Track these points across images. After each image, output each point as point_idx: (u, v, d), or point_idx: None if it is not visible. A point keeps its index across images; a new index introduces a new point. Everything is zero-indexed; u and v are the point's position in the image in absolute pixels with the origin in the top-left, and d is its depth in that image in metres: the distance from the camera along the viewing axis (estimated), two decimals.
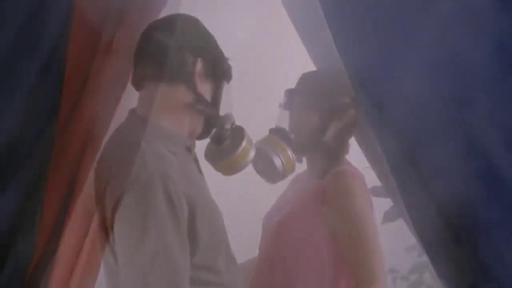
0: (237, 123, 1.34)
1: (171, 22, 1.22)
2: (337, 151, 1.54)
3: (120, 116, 1.26)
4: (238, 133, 1.32)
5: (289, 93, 1.56)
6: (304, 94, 1.53)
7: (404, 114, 1.04)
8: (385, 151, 1.09)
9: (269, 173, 1.52)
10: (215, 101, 1.26)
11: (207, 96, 1.25)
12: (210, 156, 1.37)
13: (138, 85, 1.24)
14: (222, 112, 1.29)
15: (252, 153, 1.34)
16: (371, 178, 1.59)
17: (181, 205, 1.10)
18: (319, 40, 1.47)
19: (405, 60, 1.03)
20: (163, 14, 1.29)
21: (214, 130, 1.29)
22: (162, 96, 1.20)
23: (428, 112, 1.04)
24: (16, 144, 1.02)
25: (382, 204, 2.19)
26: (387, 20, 1.03)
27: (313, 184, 1.53)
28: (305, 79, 1.58)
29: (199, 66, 1.22)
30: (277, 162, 1.49)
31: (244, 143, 1.31)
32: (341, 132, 1.54)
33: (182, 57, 1.20)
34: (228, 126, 1.29)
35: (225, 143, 1.30)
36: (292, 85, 1.62)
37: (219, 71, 1.25)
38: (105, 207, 1.11)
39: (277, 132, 1.55)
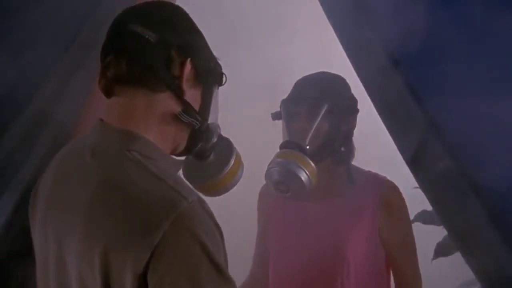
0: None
1: (151, 10, 0.96)
2: (349, 155, 1.49)
3: None
4: (225, 147, 1.11)
5: (292, 102, 1.47)
6: (311, 101, 1.43)
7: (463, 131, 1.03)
8: (443, 172, 1.06)
9: (296, 191, 1.38)
10: (204, 111, 1.01)
11: (195, 104, 0.99)
12: (191, 174, 1.13)
13: (107, 90, 0.95)
14: (210, 120, 1.05)
15: (241, 171, 1.13)
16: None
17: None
18: (359, 41, 1.40)
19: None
20: None
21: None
22: (140, 104, 0.93)
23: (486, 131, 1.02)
24: None
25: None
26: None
27: (351, 194, 1.48)
28: (307, 85, 1.48)
29: (187, 68, 0.95)
30: (304, 177, 1.36)
31: (232, 160, 1.10)
32: (348, 135, 1.49)
33: (167, 56, 0.93)
34: (214, 139, 1.05)
35: (209, 159, 1.09)
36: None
37: (211, 74, 1.01)
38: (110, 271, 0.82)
39: (291, 145, 1.41)
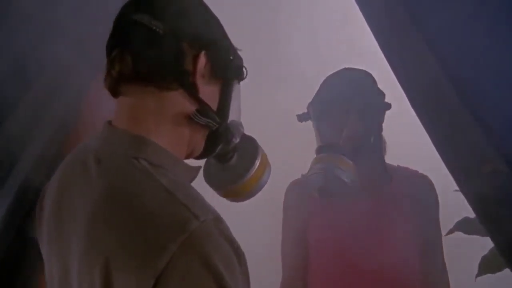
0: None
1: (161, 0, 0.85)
2: (382, 150, 1.50)
3: None
4: (249, 147, 1.01)
5: (322, 103, 1.47)
6: (342, 101, 1.44)
7: None
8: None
9: (342, 194, 1.40)
10: (223, 109, 0.90)
11: (213, 102, 0.88)
12: (212, 178, 1.04)
13: (114, 89, 0.85)
14: (231, 118, 0.94)
15: (267, 174, 1.03)
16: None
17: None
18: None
19: None
20: None
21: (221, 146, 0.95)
22: (149, 105, 0.83)
23: None
24: None
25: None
26: None
27: (387, 189, 1.49)
28: (335, 84, 1.49)
29: (202, 62, 0.84)
30: (348, 180, 1.37)
31: (256, 162, 1.00)
32: (379, 132, 1.49)
33: (178, 49, 0.82)
34: (237, 139, 0.94)
35: (232, 161, 1.00)
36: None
37: (229, 68, 0.89)
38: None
39: (328, 149, 1.42)
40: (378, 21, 1.25)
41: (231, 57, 0.90)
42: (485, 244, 1.71)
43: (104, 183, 0.79)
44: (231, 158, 0.99)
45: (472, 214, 1.26)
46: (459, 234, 1.85)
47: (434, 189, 1.50)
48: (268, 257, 1.62)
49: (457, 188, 1.28)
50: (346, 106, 1.42)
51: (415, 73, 1.22)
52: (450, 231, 1.83)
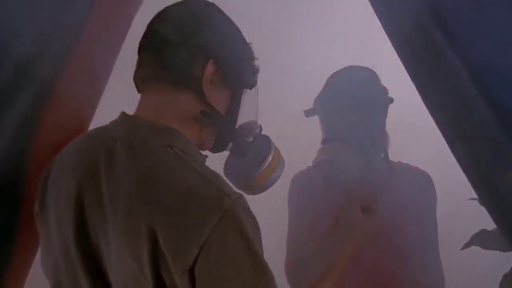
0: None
1: (179, 10, 0.97)
2: (385, 146, 1.54)
3: None
4: (263, 145, 1.11)
5: (327, 99, 1.53)
6: (347, 97, 1.48)
7: None
8: None
9: (347, 182, 1.43)
10: (232, 113, 1.01)
11: (222, 105, 0.99)
12: (231, 171, 1.14)
13: (138, 86, 0.98)
14: (245, 119, 1.05)
15: (279, 170, 1.13)
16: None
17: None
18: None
19: None
20: None
21: (231, 143, 1.08)
22: (168, 103, 0.95)
23: None
24: None
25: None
26: None
27: (391, 183, 1.53)
28: (340, 82, 1.55)
29: (210, 69, 0.94)
30: (353, 168, 1.42)
31: (269, 157, 1.10)
32: (383, 126, 1.54)
33: (189, 57, 0.93)
34: (250, 138, 1.08)
35: (247, 156, 1.10)
36: None
37: (236, 77, 0.99)
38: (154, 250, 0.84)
39: (335, 139, 1.48)
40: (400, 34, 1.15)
41: (243, 67, 1.00)
42: (506, 260, 1.58)
43: (142, 167, 0.87)
44: (246, 154, 1.09)
45: (490, 226, 1.12)
46: (476, 250, 1.69)
47: (433, 186, 1.56)
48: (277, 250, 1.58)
49: (472, 196, 1.16)
50: (351, 101, 1.46)
51: (444, 87, 1.09)
52: (466, 245, 1.67)
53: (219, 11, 0.99)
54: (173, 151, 0.89)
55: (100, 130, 0.98)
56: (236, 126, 1.03)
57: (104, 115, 1.15)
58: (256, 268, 0.82)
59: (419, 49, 1.09)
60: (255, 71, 1.02)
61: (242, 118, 1.03)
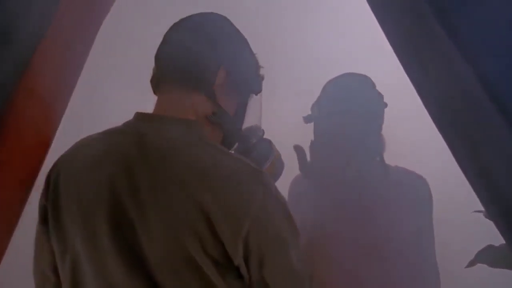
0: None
1: (197, 21, 1.11)
2: (381, 150, 1.60)
3: None
4: (264, 149, 1.22)
5: (323, 106, 1.61)
6: (342, 106, 1.55)
7: None
8: None
9: (334, 188, 1.58)
10: (238, 116, 1.15)
11: (231, 108, 1.13)
12: None
13: (155, 88, 1.11)
14: (249, 123, 1.20)
15: (279, 170, 1.25)
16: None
17: None
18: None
19: None
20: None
21: (237, 144, 1.21)
22: (184, 100, 1.07)
23: None
24: None
25: None
26: None
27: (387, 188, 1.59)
28: (336, 90, 1.61)
29: (221, 75, 1.08)
30: (342, 174, 1.54)
31: (270, 159, 1.21)
32: (378, 131, 1.59)
33: (203, 63, 1.07)
34: (253, 140, 1.21)
35: (250, 157, 1.17)
36: None
37: (244, 84, 1.13)
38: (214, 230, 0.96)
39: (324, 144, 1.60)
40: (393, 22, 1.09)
41: (250, 74, 1.13)
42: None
43: (183, 157, 0.98)
44: (250, 155, 1.18)
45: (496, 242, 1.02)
46: (483, 268, 1.58)
47: (429, 191, 1.59)
48: None
49: (478, 209, 1.06)
50: (344, 109, 1.52)
51: (445, 87, 1.02)
52: (471, 263, 1.55)
53: (232, 25, 1.12)
54: (209, 142, 1.02)
55: (117, 129, 1.06)
56: (242, 128, 1.18)
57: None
58: (292, 228, 1.01)
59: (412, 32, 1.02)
60: (260, 78, 1.15)
61: (247, 121, 1.18)
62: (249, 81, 1.12)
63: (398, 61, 1.19)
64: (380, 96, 1.58)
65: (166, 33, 1.10)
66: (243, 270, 0.98)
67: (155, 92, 1.10)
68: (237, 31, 1.12)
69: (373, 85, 1.59)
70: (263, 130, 1.24)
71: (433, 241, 1.57)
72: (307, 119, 1.62)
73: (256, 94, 1.16)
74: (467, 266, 1.55)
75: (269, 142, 1.24)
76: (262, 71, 1.16)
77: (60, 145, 1.15)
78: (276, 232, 0.98)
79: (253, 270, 0.98)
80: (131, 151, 1.00)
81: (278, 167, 1.24)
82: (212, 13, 1.12)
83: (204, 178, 0.96)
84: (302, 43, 2.34)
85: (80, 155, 1.05)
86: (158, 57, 1.10)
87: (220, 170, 0.97)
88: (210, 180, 0.96)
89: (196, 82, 1.05)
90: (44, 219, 1.06)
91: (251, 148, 1.20)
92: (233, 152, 1.19)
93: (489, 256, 1.51)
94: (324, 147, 1.54)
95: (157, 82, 1.09)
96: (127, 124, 1.06)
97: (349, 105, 1.51)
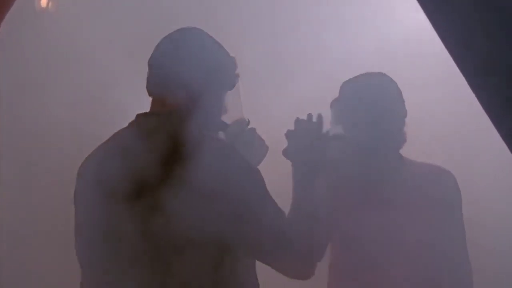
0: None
1: (178, 34, 1.36)
2: (400, 144, 1.64)
3: None
4: (249, 136, 1.44)
5: (339, 106, 1.67)
6: (356, 106, 1.62)
7: None
8: None
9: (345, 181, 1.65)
10: (217, 109, 1.37)
11: (211, 103, 1.35)
12: None
13: (149, 91, 1.36)
14: (232, 115, 1.42)
15: (262, 152, 1.45)
16: None
17: None
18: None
19: None
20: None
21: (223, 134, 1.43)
22: (173, 99, 1.31)
23: None
24: None
25: None
26: None
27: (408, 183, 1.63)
28: (352, 91, 1.66)
29: (199, 75, 1.31)
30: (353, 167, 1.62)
31: (254, 147, 1.42)
32: (399, 130, 1.63)
33: (186, 68, 1.31)
34: (238, 130, 1.43)
35: (235, 144, 1.38)
36: None
37: (220, 82, 1.36)
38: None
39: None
40: None
41: (223, 72, 1.35)
42: None
43: (200, 147, 1.22)
44: (236, 141, 1.40)
45: None
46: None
47: (456, 187, 1.60)
48: None
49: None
50: (360, 110, 1.58)
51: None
52: None
53: (209, 36, 1.35)
54: (206, 133, 1.28)
55: (124, 130, 1.31)
56: (230, 121, 1.40)
57: None
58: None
59: None
60: (236, 77, 1.37)
61: (231, 113, 1.40)
62: (224, 79, 1.35)
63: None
64: (399, 91, 1.62)
65: (156, 46, 1.35)
66: None
67: (150, 95, 1.34)
68: (214, 40, 1.35)
69: (392, 81, 1.62)
70: (248, 121, 1.44)
71: (462, 235, 1.58)
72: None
73: (231, 89, 1.37)
74: None
75: (254, 130, 1.44)
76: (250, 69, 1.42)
77: None
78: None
79: None
80: (146, 144, 1.26)
81: (260, 151, 1.43)
82: (193, 28, 1.37)
83: (220, 169, 1.20)
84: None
85: (99, 155, 1.31)
86: (149, 64, 1.35)
87: (231, 157, 1.24)
88: (225, 170, 1.21)
89: (181, 83, 1.29)
90: None
91: (237, 140, 1.40)
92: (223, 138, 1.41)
93: None
94: (346, 144, 1.55)
95: (151, 87, 1.33)
96: (132, 124, 1.31)
97: (371, 104, 1.56)
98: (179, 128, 1.24)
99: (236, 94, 1.41)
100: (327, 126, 1.46)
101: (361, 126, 1.56)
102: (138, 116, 1.31)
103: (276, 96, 2.17)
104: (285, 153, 1.35)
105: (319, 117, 1.36)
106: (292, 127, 1.36)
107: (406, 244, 1.53)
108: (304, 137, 1.34)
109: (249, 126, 1.43)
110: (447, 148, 2.04)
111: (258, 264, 1.25)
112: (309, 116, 1.36)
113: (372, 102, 1.57)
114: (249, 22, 2.30)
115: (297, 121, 1.36)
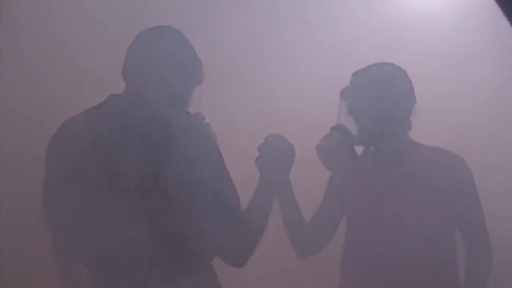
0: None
1: (155, 30, 1.53)
2: (406, 132, 1.73)
3: None
4: (205, 129, 1.55)
5: (350, 95, 1.73)
6: (368, 94, 1.70)
7: None
8: None
9: (339, 168, 1.71)
10: (182, 100, 1.53)
11: (178, 94, 1.52)
12: None
13: (124, 77, 1.52)
14: (194, 110, 1.55)
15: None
16: None
17: None
18: None
19: None
20: None
21: None
22: (143, 88, 1.49)
23: None
24: None
25: None
26: None
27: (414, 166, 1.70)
28: (364, 80, 1.73)
29: (168, 69, 1.48)
30: (343, 156, 1.66)
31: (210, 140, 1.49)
32: (407, 116, 1.72)
33: (154, 60, 1.49)
34: (196, 122, 1.55)
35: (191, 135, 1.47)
36: None
37: (188, 79, 1.53)
38: None
39: (338, 128, 1.70)
40: None
41: (193, 71, 1.53)
42: None
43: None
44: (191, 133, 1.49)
45: None
46: None
47: (467, 170, 1.64)
48: None
49: None
50: (370, 99, 1.68)
51: None
52: None
53: (178, 36, 1.52)
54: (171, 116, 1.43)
55: (95, 108, 1.45)
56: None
57: None
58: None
59: None
60: (202, 74, 1.53)
61: (192, 106, 1.53)
62: (192, 76, 1.52)
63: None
64: (408, 78, 1.72)
65: (136, 36, 1.51)
66: None
67: (124, 80, 1.49)
68: (183, 40, 1.51)
69: (400, 69, 1.72)
70: (205, 117, 1.58)
71: (480, 217, 1.64)
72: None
73: (200, 84, 1.53)
74: None
75: (209, 124, 1.57)
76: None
77: None
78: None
79: None
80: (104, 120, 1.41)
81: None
82: (166, 26, 1.53)
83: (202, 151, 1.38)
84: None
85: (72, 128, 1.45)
86: (127, 53, 1.50)
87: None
88: (203, 151, 1.38)
89: (150, 76, 1.46)
90: None
91: (195, 127, 1.48)
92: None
93: None
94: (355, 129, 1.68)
95: (126, 75, 1.49)
96: (102, 103, 1.44)
97: (381, 89, 1.67)
98: (151, 110, 1.39)
99: (199, 90, 1.55)
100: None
101: (372, 113, 1.66)
102: (111, 96, 1.45)
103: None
104: (256, 162, 1.53)
105: (286, 140, 1.56)
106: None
107: (417, 230, 1.60)
108: (273, 153, 1.53)
109: (207, 121, 1.57)
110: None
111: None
112: (279, 135, 1.55)
113: (382, 89, 1.67)
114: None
115: (269, 136, 1.55)
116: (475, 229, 1.64)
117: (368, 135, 1.68)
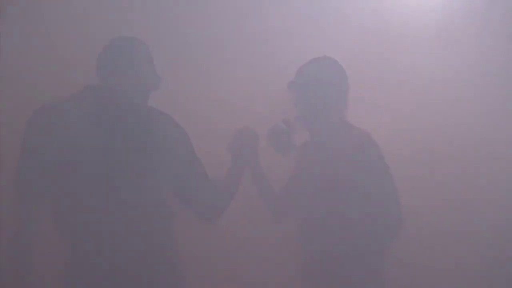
0: None
1: (125, 40, 1.98)
2: (340, 116, 2.19)
3: None
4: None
5: (298, 86, 2.18)
6: (312, 86, 2.16)
7: None
8: None
9: (284, 148, 2.16)
10: (144, 98, 1.95)
11: (142, 92, 1.95)
12: None
13: (98, 76, 1.94)
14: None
15: None
16: None
17: None
18: None
19: None
20: None
21: None
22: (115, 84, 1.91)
23: None
24: None
25: None
26: None
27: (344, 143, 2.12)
28: (308, 73, 2.18)
29: (133, 73, 1.92)
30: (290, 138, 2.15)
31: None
32: (343, 103, 2.19)
33: (122, 65, 1.93)
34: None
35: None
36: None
37: (148, 83, 1.96)
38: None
39: (284, 120, 2.17)
40: None
41: (151, 76, 1.98)
42: None
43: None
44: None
45: None
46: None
47: (372, 143, 2.04)
48: None
49: None
50: (314, 89, 2.12)
51: None
52: None
53: (141, 46, 1.96)
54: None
55: (70, 98, 1.83)
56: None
57: None
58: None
59: None
60: (157, 79, 1.97)
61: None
62: (149, 81, 1.93)
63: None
64: (341, 68, 2.14)
65: (110, 42, 1.93)
66: None
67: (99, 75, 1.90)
68: (144, 49, 1.95)
69: (334, 61, 2.16)
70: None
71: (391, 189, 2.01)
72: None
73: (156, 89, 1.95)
74: None
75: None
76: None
77: None
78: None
79: None
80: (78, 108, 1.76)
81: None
82: (133, 37, 1.96)
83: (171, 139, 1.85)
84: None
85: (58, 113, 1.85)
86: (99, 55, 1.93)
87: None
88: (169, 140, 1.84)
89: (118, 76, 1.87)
90: None
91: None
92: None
93: None
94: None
95: (98, 73, 1.90)
96: (77, 93, 1.82)
97: (316, 78, 2.10)
98: (123, 101, 1.78)
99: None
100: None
101: (312, 100, 2.10)
102: (86, 87, 1.82)
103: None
104: (228, 149, 2.09)
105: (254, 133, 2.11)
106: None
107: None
108: (239, 142, 2.08)
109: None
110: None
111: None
112: (248, 128, 2.10)
113: (319, 80, 2.09)
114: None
115: (238, 129, 2.10)
116: (385, 198, 2.02)
117: (308, 118, 2.11)
